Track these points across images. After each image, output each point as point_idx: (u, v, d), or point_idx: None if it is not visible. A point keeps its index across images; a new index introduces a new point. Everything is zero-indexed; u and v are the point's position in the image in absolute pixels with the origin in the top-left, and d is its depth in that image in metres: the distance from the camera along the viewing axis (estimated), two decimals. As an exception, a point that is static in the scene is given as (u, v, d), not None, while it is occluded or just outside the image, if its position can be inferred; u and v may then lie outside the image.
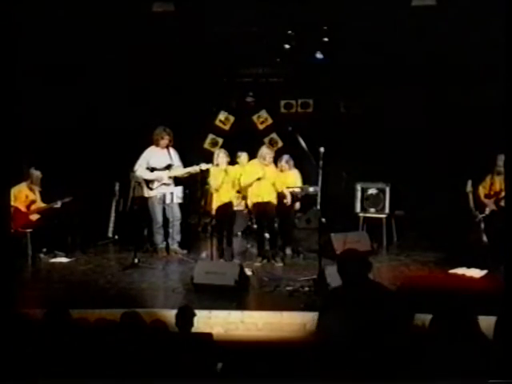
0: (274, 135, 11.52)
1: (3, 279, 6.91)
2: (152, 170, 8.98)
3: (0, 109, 6.26)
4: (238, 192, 8.67)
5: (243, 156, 9.30)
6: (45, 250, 8.99)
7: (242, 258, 8.84)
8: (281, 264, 8.51)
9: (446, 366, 3.86)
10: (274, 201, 8.60)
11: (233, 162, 9.01)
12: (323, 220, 8.29)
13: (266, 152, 8.62)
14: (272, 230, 8.79)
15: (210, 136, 11.60)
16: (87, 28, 9.40)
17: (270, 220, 8.72)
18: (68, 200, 8.92)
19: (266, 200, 8.55)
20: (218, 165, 8.57)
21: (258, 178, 8.49)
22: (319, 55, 10.45)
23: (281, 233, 8.94)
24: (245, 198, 8.64)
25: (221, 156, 8.60)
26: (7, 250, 7.94)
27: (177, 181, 9.08)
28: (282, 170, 9.04)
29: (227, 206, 8.60)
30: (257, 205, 8.66)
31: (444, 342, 4.13)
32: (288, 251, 9.01)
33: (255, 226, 9.70)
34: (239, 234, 9.44)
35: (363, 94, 10.70)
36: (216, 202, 8.62)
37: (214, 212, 8.66)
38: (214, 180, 8.61)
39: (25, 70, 9.44)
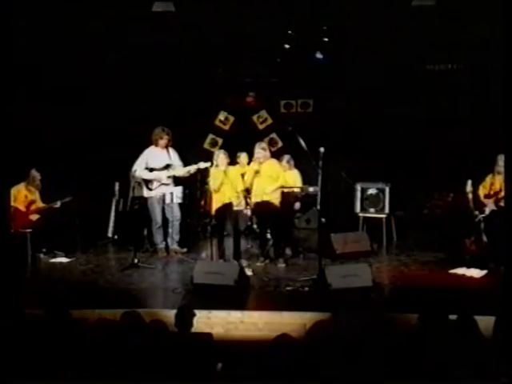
0: (273, 135, 11.49)
1: (3, 279, 6.95)
2: (151, 170, 8.99)
3: (0, 110, 6.29)
4: (248, 192, 8.63)
5: (243, 156, 9.28)
6: (44, 249, 9.01)
7: (243, 257, 8.74)
8: (283, 265, 8.49)
9: (443, 366, 3.93)
10: (276, 201, 8.54)
11: (233, 162, 8.99)
12: (323, 220, 8.29)
13: (257, 151, 8.55)
14: (274, 230, 8.78)
15: (210, 136, 11.56)
16: (87, 28, 9.40)
17: (272, 220, 8.69)
18: (68, 200, 8.94)
19: (267, 199, 8.50)
20: (217, 165, 8.56)
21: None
22: (319, 55, 10.50)
23: (280, 233, 8.87)
24: (245, 197, 8.60)
25: (220, 157, 8.59)
26: (7, 249, 8.02)
27: (176, 181, 9.09)
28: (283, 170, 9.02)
29: (227, 207, 8.59)
30: (258, 204, 8.61)
31: (440, 341, 4.18)
32: (288, 251, 8.95)
33: (255, 226, 9.71)
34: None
35: (363, 93, 10.68)
36: (216, 202, 8.60)
37: (213, 213, 8.65)
38: (213, 181, 8.60)
39: (24, 72, 9.47)
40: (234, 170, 8.70)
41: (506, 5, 6.37)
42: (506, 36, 6.19)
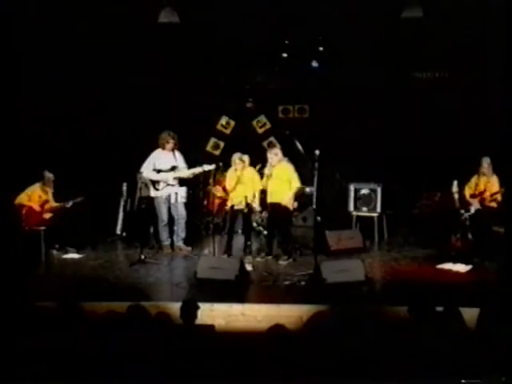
0: (272, 139, 11.62)
1: (19, 274, 7.37)
2: (158, 171, 9.08)
3: (13, 114, 6.48)
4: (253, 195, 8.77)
5: (245, 158, 9.42)
6: (57, 246, 9.10)
7: (243, 254, 8.86)
8: (286, 262, 8.54)
9: (431, 360, 4.10)
10: (287, 203, 8.61)
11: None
12: (318, 218, 8.51)
13: (270, 157, 8.70)
14: (280, 228, 8.86)
15: (212, 139, 11.70)
16: (96, 34, 9.72)
17: (280, 220, 8.81)
18: (79, 200, 9.03)
19: (278, 201, 8.65)
20: (235, 168, 8.81)
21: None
22: (315, 63, 10.78)
23: (283, 231, 8.95)
24: (245, 197, 8.72)
25: (237, 161, 8.79)
26: (22, 247, 8.42)
27: (181, 182, 9.20)
28: None
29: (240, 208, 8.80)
30: (270, 205, 8.78)
31: (427, 334, 4.43)
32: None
33: (255, 225, 9.93)
34: (239, 231, 9.70)
35: (356, 99, 10.84)
36: (230, 201, 8.85)
37: (228, 211, 8.91)
38: (229, 181, 8.87)
39: (35, 73, 9.75)
40: (248, 172, 8.86)
41: (492, 17, 6.75)
42: (491, 46, 6.56)
